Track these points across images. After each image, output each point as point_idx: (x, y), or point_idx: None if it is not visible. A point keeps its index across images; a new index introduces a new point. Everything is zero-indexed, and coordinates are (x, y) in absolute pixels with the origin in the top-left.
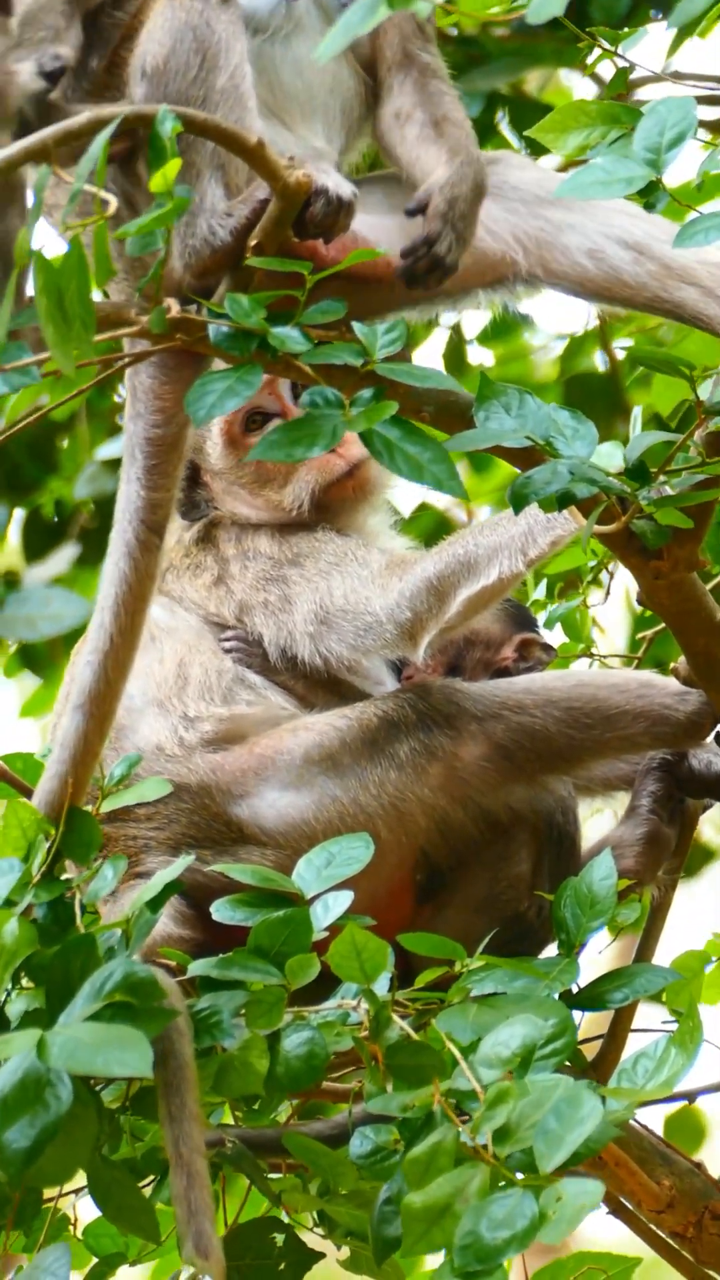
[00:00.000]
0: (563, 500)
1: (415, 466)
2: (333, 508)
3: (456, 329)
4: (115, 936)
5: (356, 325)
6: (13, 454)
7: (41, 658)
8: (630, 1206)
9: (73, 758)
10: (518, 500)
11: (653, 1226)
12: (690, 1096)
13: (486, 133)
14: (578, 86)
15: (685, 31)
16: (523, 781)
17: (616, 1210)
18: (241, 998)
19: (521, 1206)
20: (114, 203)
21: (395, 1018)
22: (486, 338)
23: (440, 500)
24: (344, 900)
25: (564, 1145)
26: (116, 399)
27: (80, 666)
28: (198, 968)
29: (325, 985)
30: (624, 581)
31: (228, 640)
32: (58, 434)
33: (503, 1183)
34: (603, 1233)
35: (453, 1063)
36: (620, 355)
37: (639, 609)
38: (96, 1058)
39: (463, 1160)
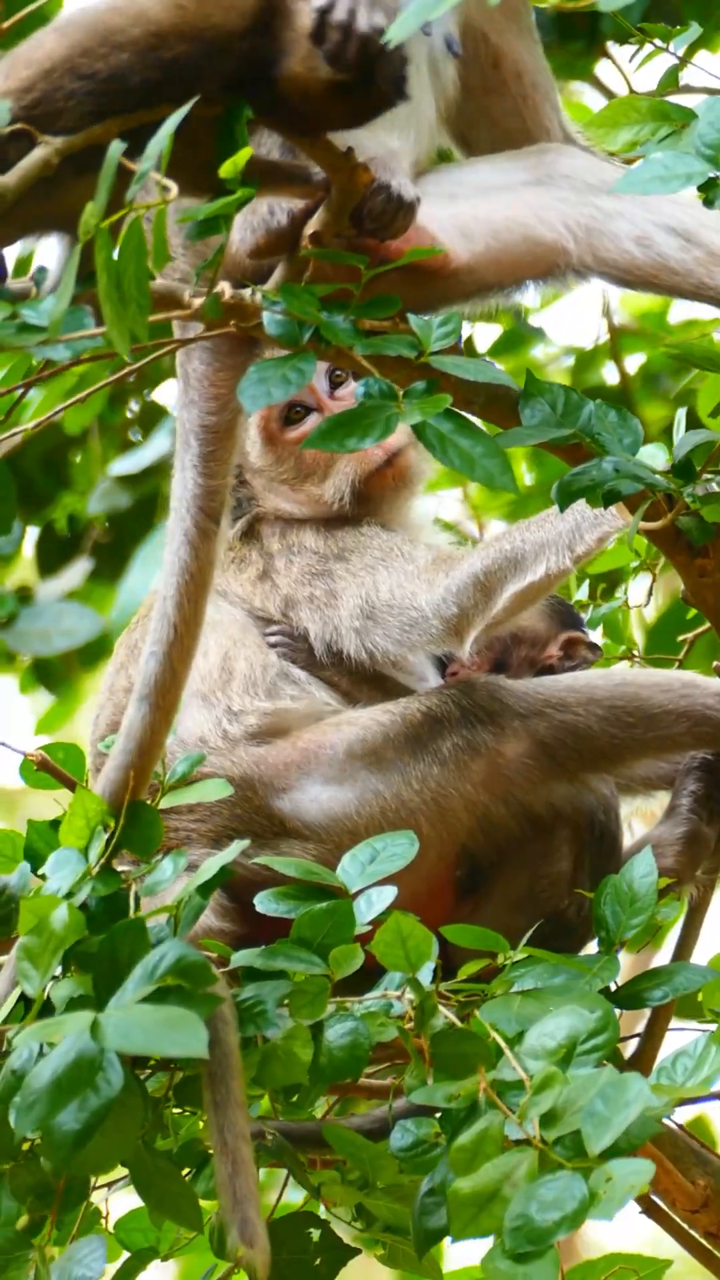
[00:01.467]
0: (608, 497)
1: (468, 460)
2: (374, 498)
3: (469, 343)
4: (160, 925)
5: (411, 317)
6: (26, 469)
7: (56, 673)
8: (664, 1206)
9: (138, 748)
10: (565, 496)
11: (686, 1226)
12: None
13: None
14: (589, 99)
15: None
16: (564, 779)
17: (649, 1210)
18: (285, 988)
19: (571, 1188)
20: (175, 189)
21: (440, 1007)
22: (498, 351)
23: (450, 513)
24: (387, 895)
25: (611, 1128)
26: (128, 414)
27: (145, 658)
28: (241, 958)
29: (367, 981)
30: (665, 583)
31: (273, 635)
32: (71, 449)
33: (551, 1166)
34: (636, 1232)
35: (498, 1053)
36: (631, 370)
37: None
38: (151, 1039)
39: (508, 1149)
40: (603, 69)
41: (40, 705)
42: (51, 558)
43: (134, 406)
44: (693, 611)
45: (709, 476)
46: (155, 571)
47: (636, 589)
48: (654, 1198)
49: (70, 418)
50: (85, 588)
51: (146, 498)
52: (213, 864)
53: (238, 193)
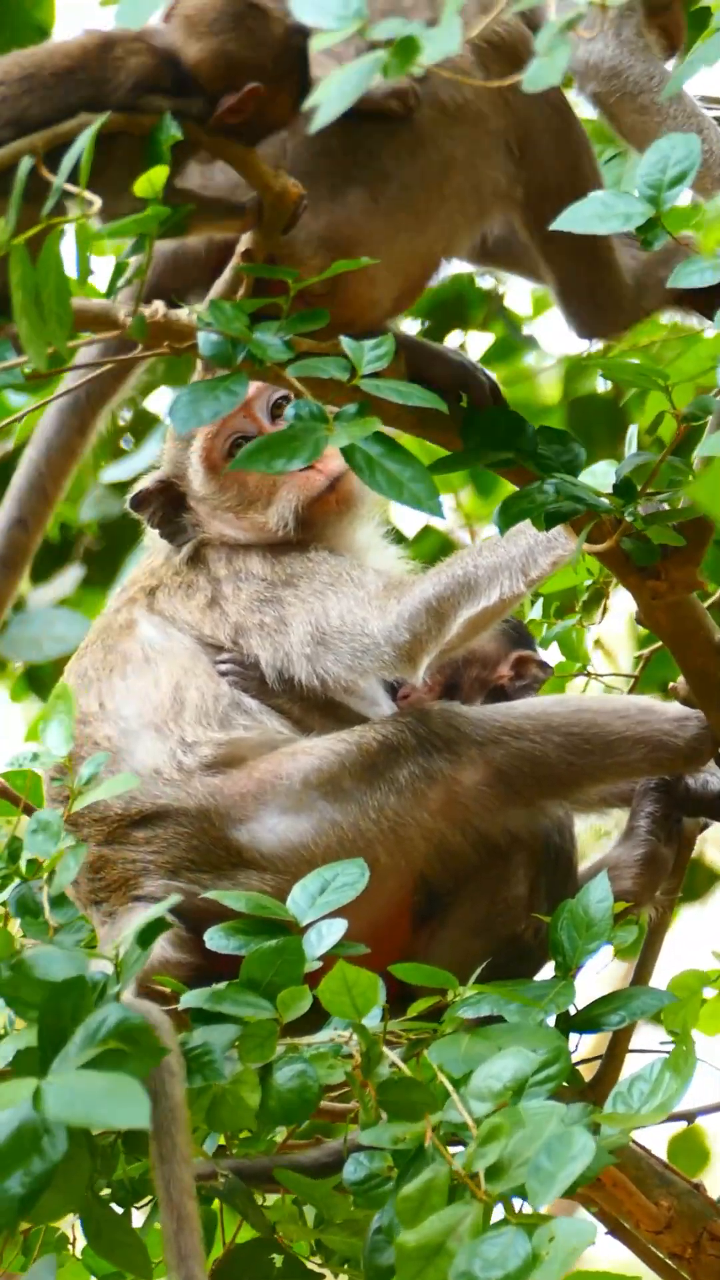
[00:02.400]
0: (550, 519)
1: (395, 484)
2: (318, 524)
3: (460, 349)
4: (106, 968)
5: (344, 339)
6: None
7: (47, 680)
8: (629, 1227)
9: None
10: (506, 518)
11: (651, 1247)
12: (689, 1117)
13: None
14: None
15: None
16: (521, 806)
17: (615, 1230)
18: (233, 1032)
19: (515, 1246)
20: (98, 202)
21: (387, 1051)
22: (490, 360)
23: (444, 523)
24: (338, 928)
25: (556, 1183)
26: (120, 422)
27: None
28: (190, 999)
29: (320, 1014)
30: (624, 601)
31: (223, 663)
32: None
33: (496, 1220)
34: (602, 1253)
35: (444, 1095)
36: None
37: (640, 628)
38: (93, 1109)
39: (456, 1194)
40: None
41: (31, 713)
42: (43, 565)
43: (125, 414)
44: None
45: (654, 494)
46: None
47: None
48: (619, 1219)
49: None
50: (76, 595)
51: None
52: (150, 914)
53: (149, 209)
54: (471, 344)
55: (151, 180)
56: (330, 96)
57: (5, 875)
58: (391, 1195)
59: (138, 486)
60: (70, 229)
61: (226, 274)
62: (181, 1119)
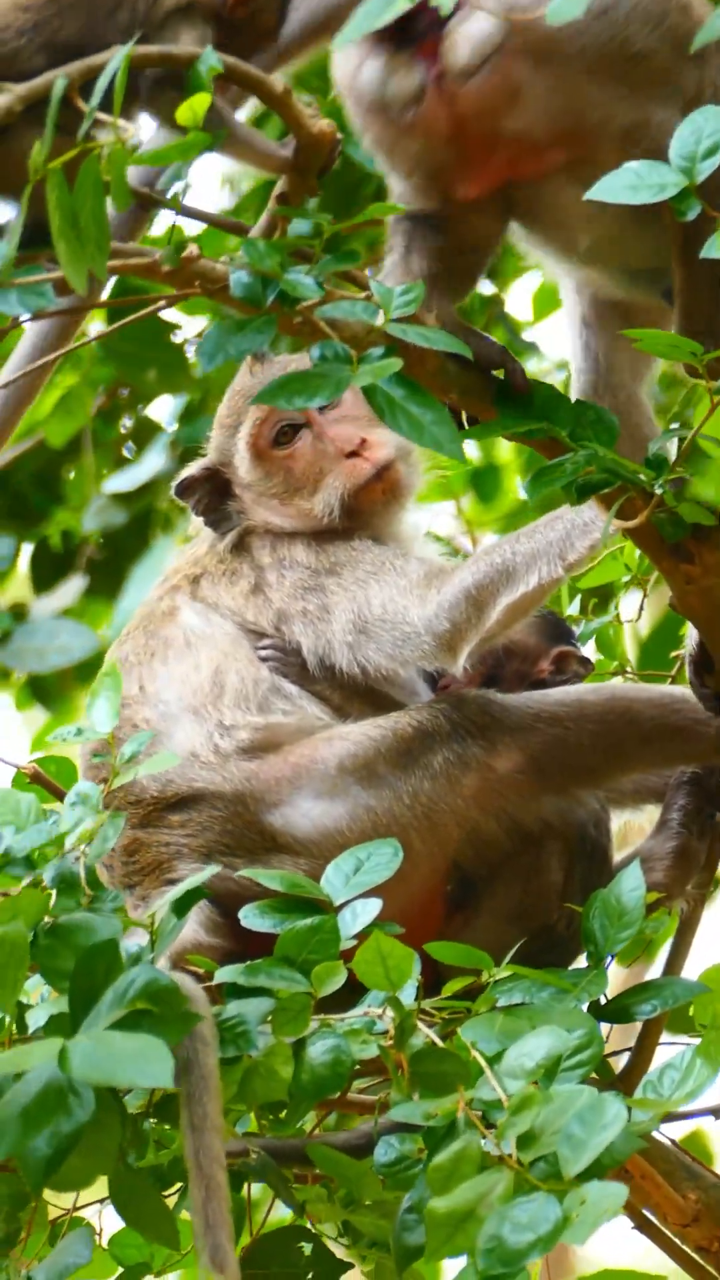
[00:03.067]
0: (582, 490)
1: (417, 426)
2: (363, 512)
3: None
4: (141, 942)
5: (373, 284)
6: (19, 485)
7: (51, 690)
8: (655, 1220)
9: None
10: (536, 487)
11: (677, 1241)
12: (717, 1112)
13: None
14: None
15: None
16: (554, 793)
17: (641, 1225)
18: (268, 1005)
19: (545, 1210)
20: (131, 129)
21: (420, 1025)
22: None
23: (445, 527)
24: (373, 908)
25: (588, 1150)
26: (122, 430)
27: None
28: (224, 974)
29: (354, 994)
30: (657, 597)
31: (264, 649)
32: (64, 464)
33: (526, 1188)
34: (627, 1248)
35: (478, 1072)
36: None
37: (676, 623)
38: (118, 1068)
39: (486, 1168)
40: None
41: (36, 721)
42: (46, 574)
43: (127, 422)
44: (685, 628)
45: (682, 470)
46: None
47: (629, 604)
48: (646, 1212)
49: (53, 431)
50: (80, 604)
51: (141, 515)
52: (188, 883)
53: (190, 137)
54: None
55: (193, 108)
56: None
57: (45, 849)
58: (422, 1173)
59: (183, 473)
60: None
61: (264, 217)
62: (214, 1088)
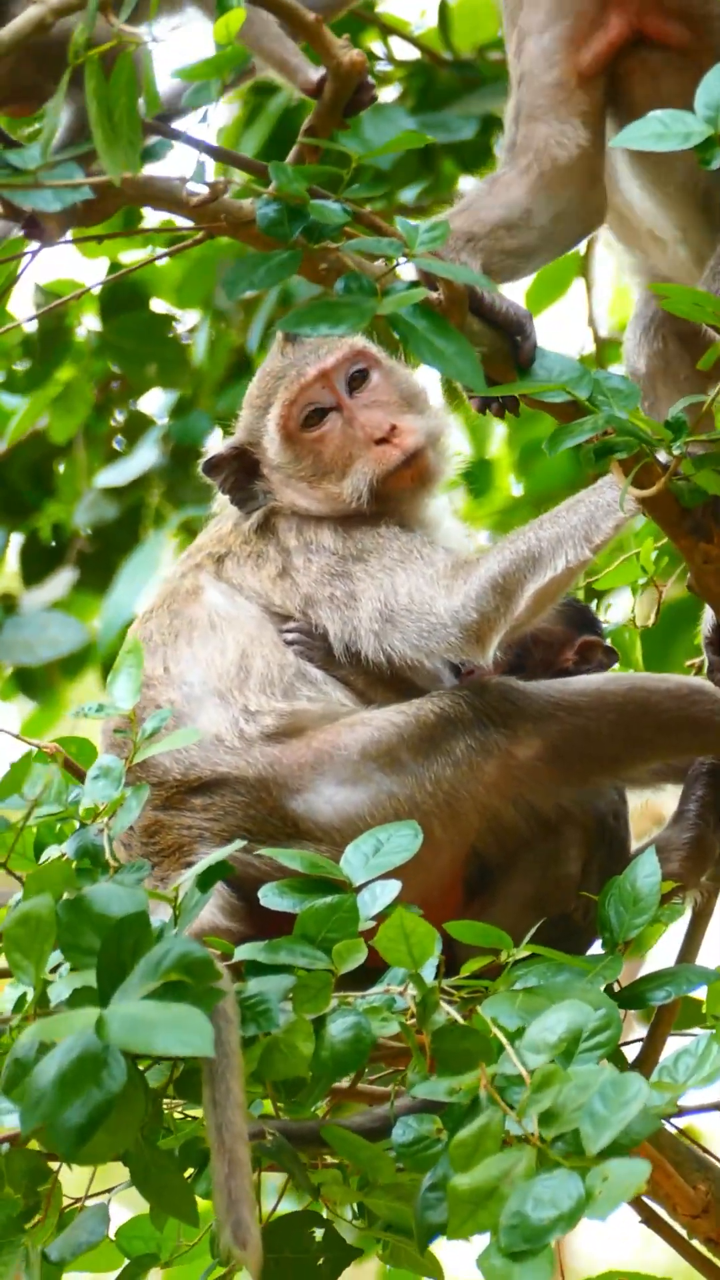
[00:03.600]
0: (600, 452)
1: (440, 356)
2: (392, 498)
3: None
4: (163, 919)
5: (399, 219)
6: (12, 478)
7: (38, 681)
8: (664, 1214)
9: None
10: (553, 446)
11: (685, 1235)
12: None
13: (482, 156)
14: None
15: None
16: (574, 782)
17: (648, 1219)
18: (288, 983)
19: (567, 1187)
20: (157, 37)
21: (442, 1002)
22: (481, 360)
23: None
24: (392, 889)
25: (610, 1127)
26: (113, 424)
27: None
28: (245, 952)
29: (370, 980)
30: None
31: (290, 632)
32: (56, 458)
33: (549, 1164)
34: (625, 1240)
35: (499, 1048)
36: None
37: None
38: (157, 1036)
39: (508, 1145)
40: None
41: (22, 711)
42: (36, 567)
43: (119, 416)
44: (695, 638)
45: (705, 436)
46: (141, 583)
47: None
48: (653, 1206)
49: (56, 427)
50: (69, 598)
51: (132, 509)
52: (212, 857)
53: (227, 51)
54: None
55: (228, 24)
56: None
57: (63, 817)
58: (444, 1153)
59: (211, 452)
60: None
61: (293, 150)
62: (236, 1065)
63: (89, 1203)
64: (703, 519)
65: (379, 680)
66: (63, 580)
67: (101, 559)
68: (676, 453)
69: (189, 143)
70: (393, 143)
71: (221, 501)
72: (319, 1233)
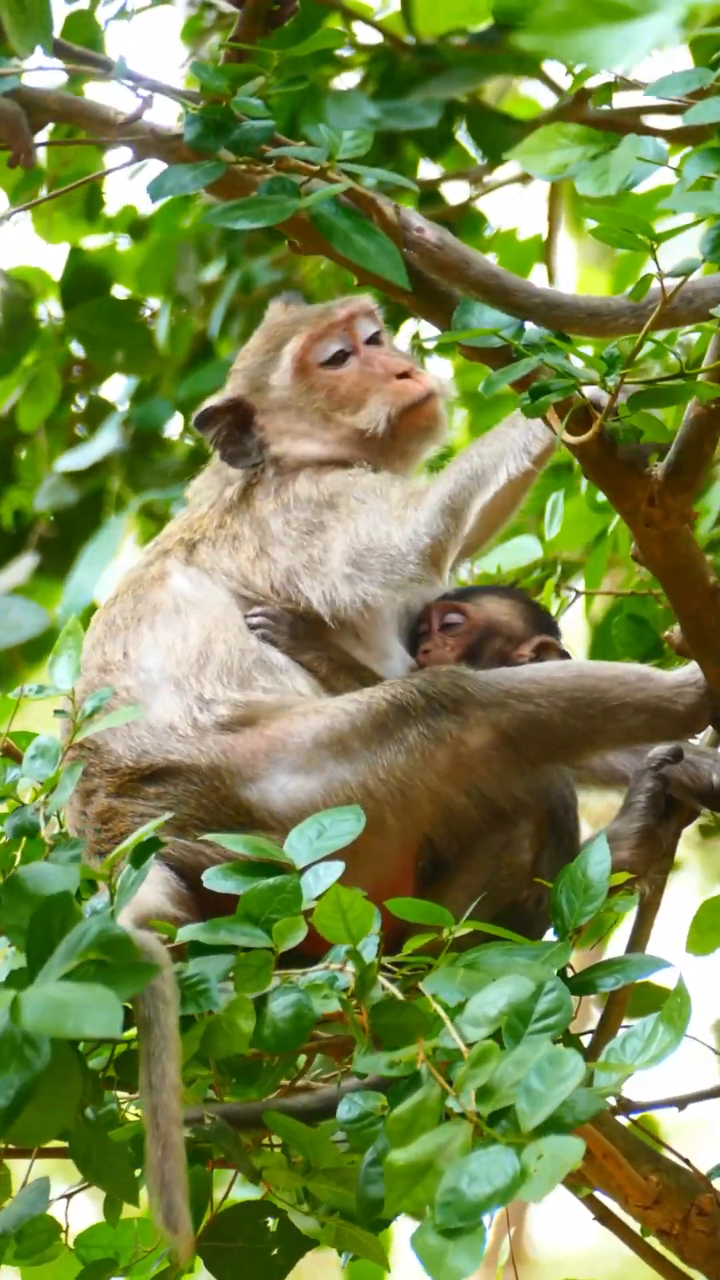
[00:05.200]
0: (535, 393)
1: (362, 255)
2: (404, 435)
3: (415, 338)
4: (102, 902)
5: (321, 127)
6: None
7: (1, 667)
8: (616, 1207)
9: None
10: (489, 386)
11: (637, 1230)
12: (680, 1103)
13: (445, 143)
14: (539, 96)
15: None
16: (526, 770)
17: (602, 1217)
18: (229, 962)
19: (502, 1162)
20: None
21: (381, 980)
22: (445, 348)
23: None
24: (335, 870)
25: (546, 1104)
26: (74, 409)
27: None
28: (187, 933)
29: (314, 957)
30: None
31: (254, 616)
32: (17, 444)
33: (485, 1140)
34: (582, 1237)
35: (440, 1026)
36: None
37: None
38: (68, 1019)
39: (448, 1120)
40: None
41: None
42: None
43: (80, 402)
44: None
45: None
46: (102, 568)
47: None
48: (605, 1202)
49: (25, 414)
50: (31, 583)
51: (93, 494)
52: (143, 830)
53: None
54: (425, 330)
55: None
56: None
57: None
58: (384, 1128)
59: (205, 404)
60: None
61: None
62: (173, 1048)
63: (31, 1179)
64: (636, 459)
65: (341, 666)
66: (24, 566)
67: (62, 544)
68: (612, 384)
69: (118, 73)
70: (313, 40)
71: (194, 489)
72: (273, 1222)
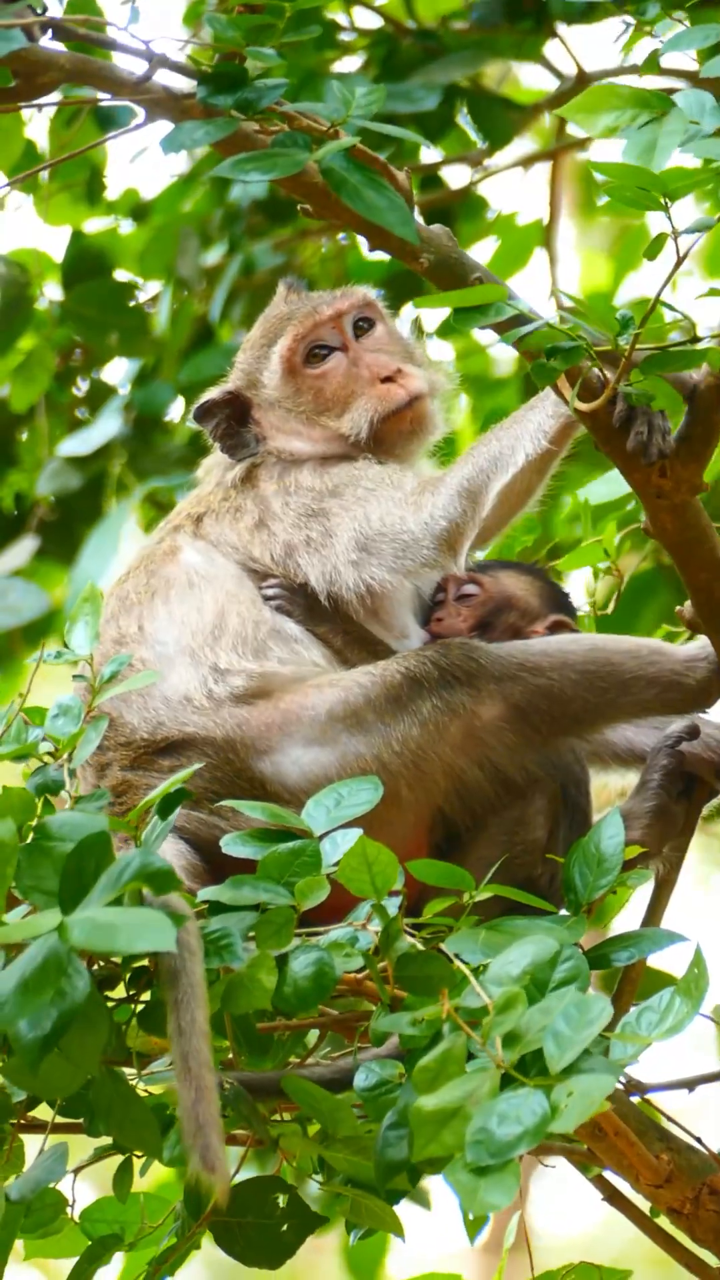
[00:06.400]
0: (549, 354)
1: (372, 208)
2: (388, 439)
3: (416, 322)
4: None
5: (333, 83)
6: None
7: (0, 649)
8: (627, 1186)
9: None
10: (506, 339)
11: (647, 1211)
12: (690, 1085)
13: (445, 127)
14: (539, 80)
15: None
16: (538, 743)
17: (611, 1198)
18: (251, 919)
19: (531, 1103)
20: None
21: (405, 931)
22: (444, 332)
23: None
24: (353, 837)
25: (574, 1045)
26: (75, 392)
27: None
28: (209, 893)
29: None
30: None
31: (270, 587)
32: (18, 427)
33: (513, 1084)
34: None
35: (464, 982)
36: None
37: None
38: (119, 937)
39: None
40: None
41: None
42: None
43: (81, 385)
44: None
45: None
46: (108, 557)
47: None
48: (615, 1185)
49: (17, 395)
50: (31, 565)
51: (95, 478)
52: (171, 781)
53: None
54: (427, 316)
55: None
56: None
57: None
58: (404, 1085)
59: (204, 397)
60: None
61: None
62: (201, 995)
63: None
64: (643, 427)
65: (355, 640)
66: (24, 548)
67: (63, 528)
68: (624, 343)
69: (132, 18)
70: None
71: (205, 467)
72: (283, 1198)
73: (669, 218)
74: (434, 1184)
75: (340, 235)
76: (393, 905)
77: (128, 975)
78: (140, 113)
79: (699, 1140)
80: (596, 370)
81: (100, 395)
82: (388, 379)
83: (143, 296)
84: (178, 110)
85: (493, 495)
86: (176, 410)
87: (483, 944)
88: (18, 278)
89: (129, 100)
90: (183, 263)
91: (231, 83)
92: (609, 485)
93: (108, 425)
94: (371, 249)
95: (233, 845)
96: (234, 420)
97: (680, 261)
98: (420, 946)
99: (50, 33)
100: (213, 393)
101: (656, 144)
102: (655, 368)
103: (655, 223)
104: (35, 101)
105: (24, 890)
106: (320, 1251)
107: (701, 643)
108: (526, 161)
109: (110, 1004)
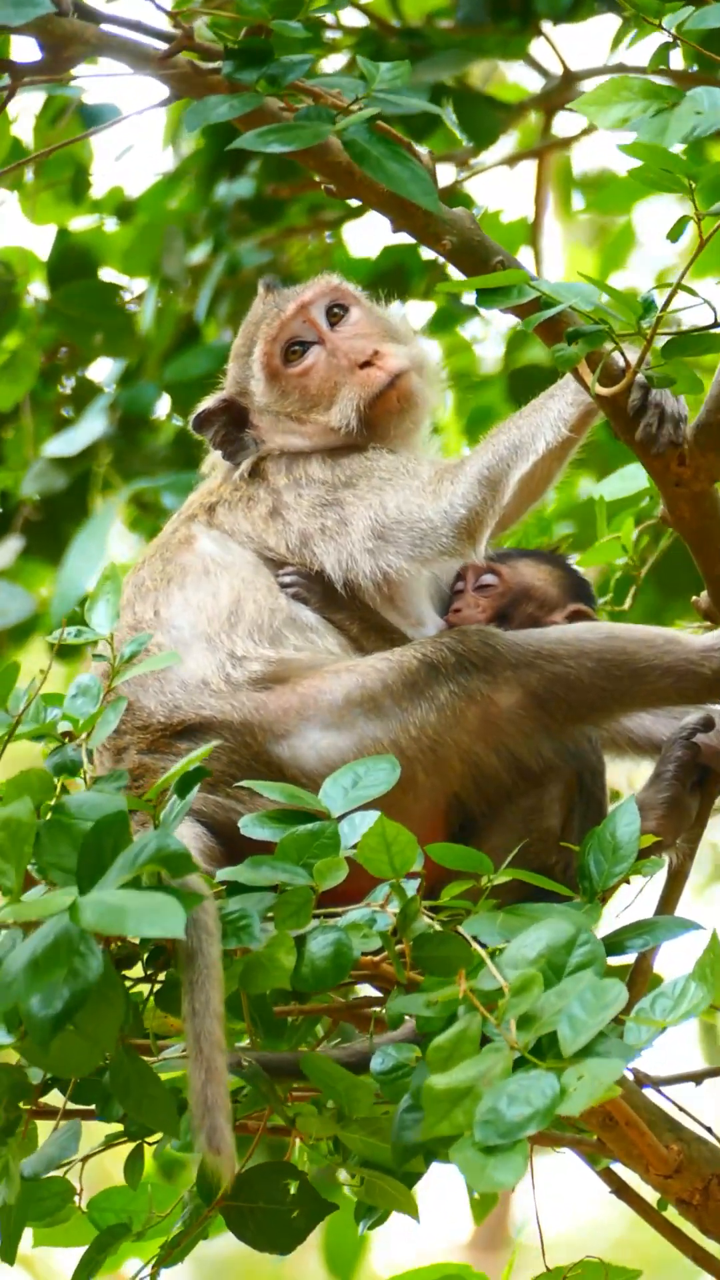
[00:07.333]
0: (570, 338)
1: (395, 180)
2: (379, 423)
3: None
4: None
5: (360, 59)
6: None
7: None
8: (634, 1181)
9: None
10: (529, 324)
11: (654, 1205)
12: (697, 1079)
13: (431, 126)
14: (525, 78)
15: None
16: (554, 730)
17: (619, 1190)
18: (269, 900)
19: (542, 1084)
20: None
21: (423, 911)
22: (431, 329)
23: None
24: (370, 819)
25: (588, 1029)
26: (61, 391)
27: None
28: (227, 874)
29: None
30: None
31: (286, 575)
32: (3, 426)
33: (526, 1066)
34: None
35: (480, 965)
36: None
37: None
38: (130, 920)
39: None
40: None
41: None
42: None
43: (67, 384)
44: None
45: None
46: (95, 558)
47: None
48: (622, 1177)
49: (2, 394)
50: (16, 565)
51: (80, 478)
52: (190, 758)
53: None
54: (413, 313)
55: None
56: None
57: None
58: (420, 1066)
59: (200, 406)
60: None
61: None
62: (216, 977)
63: (60, 1172)
64: (653, 418)
65: (371, 627)
66: (10, 549)
67: (49, 528)
68: (646, 326)
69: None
70: None
71: (209, 463)
72: (293, 1185)
73: (694, 200)
74: (422, 1187)
75: (326, 234)
76: (411, 886)
77: (145, 955)
78: (122, 110)
79: (710, 1130)
80: (618, 355)
81: (85, 394)
82: (366, 364)
83: (128, 295)
84: (202, 85)
85: (513, 484)
86: (162, 409)
87: (500, 927)
88: (3, 276)
89: (154, 74)
90: (168, 261)
91: (258, 57)
92: (624, 481)
93: (93, 425)
94: (395, 230)
95: (251, 827)
96: (232, 425)
97: (704, 243)
98: (438, 928)
99: (75, 11)
100: (208, 402)
101: (667, 130)
102: (676, 352)
103: (641, 221)
104: (56, 76)
105: (43, 867)
106: (304, 1248)
107: (718, 633)
108: (512, 160)
109: (128, 983)
